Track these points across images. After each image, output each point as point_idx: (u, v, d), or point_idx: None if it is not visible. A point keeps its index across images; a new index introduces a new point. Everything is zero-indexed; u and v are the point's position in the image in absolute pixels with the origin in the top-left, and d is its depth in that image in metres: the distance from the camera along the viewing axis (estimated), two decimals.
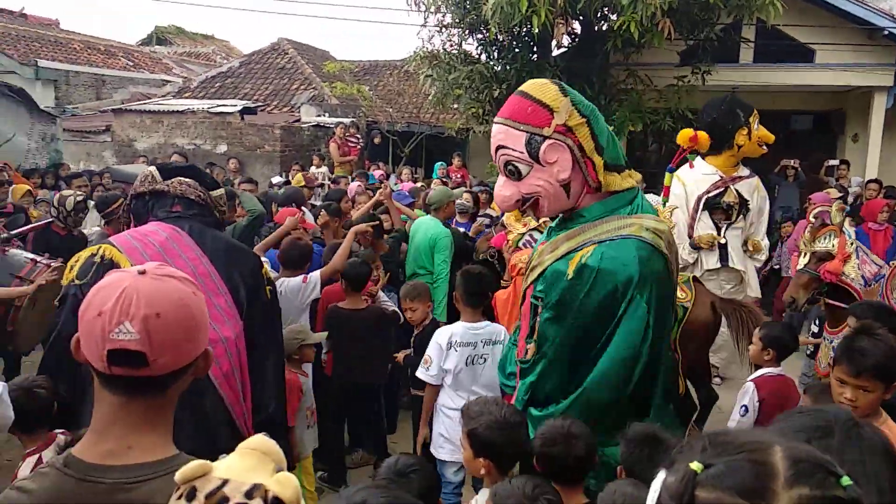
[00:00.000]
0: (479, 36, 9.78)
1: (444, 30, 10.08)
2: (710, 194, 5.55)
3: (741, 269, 5.67)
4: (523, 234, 4.81)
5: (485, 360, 3.47)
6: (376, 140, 13.21)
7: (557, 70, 9.01)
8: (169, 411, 1.29)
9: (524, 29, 8.96)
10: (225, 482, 1.02)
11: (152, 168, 2.82)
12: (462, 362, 3.44)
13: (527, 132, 2.38)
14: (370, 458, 4.43)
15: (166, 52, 24.03)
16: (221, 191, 2.92)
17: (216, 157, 12.35)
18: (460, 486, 3.54)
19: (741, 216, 5.63)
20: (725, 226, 5.62)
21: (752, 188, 5.69)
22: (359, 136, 12.03)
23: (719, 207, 5.54)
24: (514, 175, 2.48)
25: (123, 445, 1.21)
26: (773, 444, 0.84)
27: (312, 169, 10.96)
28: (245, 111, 13.18)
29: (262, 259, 3.09)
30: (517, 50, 9.53)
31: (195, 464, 1.03)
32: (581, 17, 8.92)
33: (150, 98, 15.96)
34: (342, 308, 4.18)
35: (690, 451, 0.88)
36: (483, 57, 10.08)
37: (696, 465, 0.84)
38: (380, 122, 14.32)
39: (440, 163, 11.23)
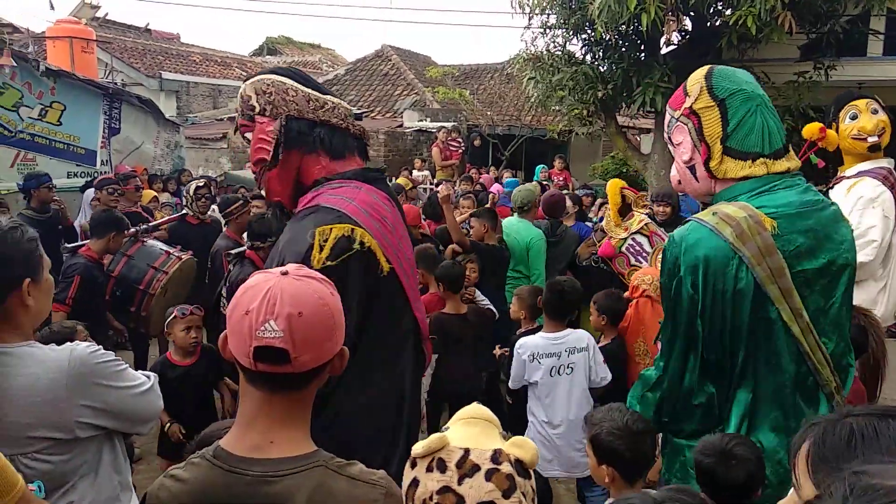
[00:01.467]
0: (584, 36, 9.62)
1: (547, 31, 9.98)
2: None
3: None
4: (625, 238, 4.68)
5: (571, 369, 3.47)
6: (476, 143, 13.27)
7: (667, 69, 8.73)
8: (307, 408, 1.32)
9: (631, 27, 8.74)
10: (467, 451, 1.08)
11: (323, 95, 2.32)
12: (546, 373, 3.45)
13: (669, 115, 2.43)
14: None
15: (276, 62, 25.12)
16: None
17: None
18: None
19: None
20: None
21: (842, 189, 4.69)
22: (461, 140, 12.11)
23: None
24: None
25: (266, 440, 1.26)
26: None
27: (415, 173, 11.14)
28: None
29: None
30: (624, 49, 9.31)
31: (435, 437, 1.09)
32: (692, 13, 8.61)
33: None
34: (446, 314, 4.11)
35: (831, 499, 0.80)
36: (588, 57, 9.92)
37: None
38: (480, 126, 14.37)
39: (541, 166, 11.14)
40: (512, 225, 5.37)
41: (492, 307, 4.39)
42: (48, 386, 1.54)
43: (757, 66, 9.12)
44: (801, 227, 2.16)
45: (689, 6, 7.90)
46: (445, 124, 13.05)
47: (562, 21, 9.49)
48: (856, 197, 4.27)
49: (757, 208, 2.14)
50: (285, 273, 1.26)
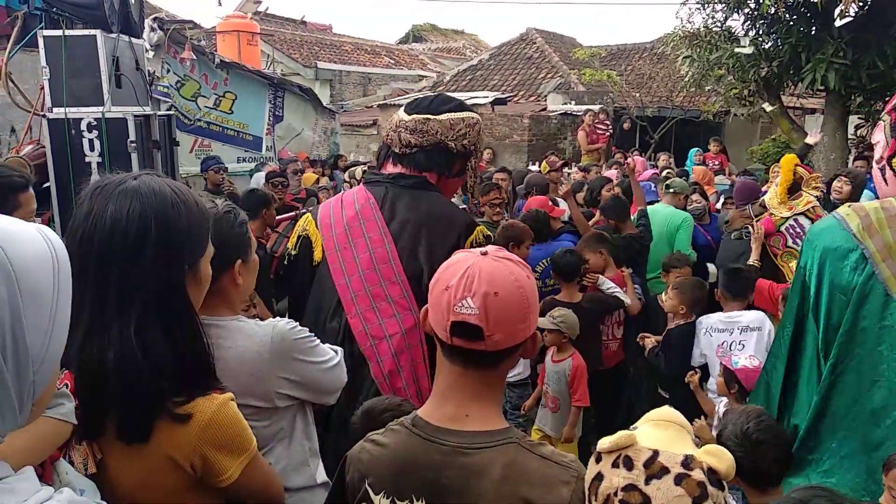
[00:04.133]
0: (747, 10, 9.03)
1: (706, 6, 9.47)
2: None
3: None
4: (787, 218, 4.42)
5: (742, 345, 3.52)
6: (626, 126, 12.85)
7: (842, 43, 8.00)
8: (499, 387, 1.36)
9: None
10: (656, 452, 1.05)
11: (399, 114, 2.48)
12: (714, 348, 3.56)
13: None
14: None
15: (422, 49, 25.68)
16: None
17: None
18: None
19: None
20: None
21: None
22: (608, 122, 11.78)
23: None
24: None
25: (462, 412, 1.29)
26: None
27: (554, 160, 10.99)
28: (496, 102, 13.60)
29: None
30: (792, 23, 8.64)
31: (622, 434, 1.08)
32: None
33: (408, 94, 17.20)
34: (557, 300, 4.03)
35: None
36: (750, 33, 9.30)
37: None
38: (628, 108, 13.92)
39: (696, 149, 10.59)
40: (656, 209, 5.18)
41: (620, 294, 4.21)
42: (254, 358, 1.66)
43: None
44: None
45: None
46: (592, 107, 12.75)
47: None
48: None
49: None
50: (485, 253, 1.29)
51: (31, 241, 0.87)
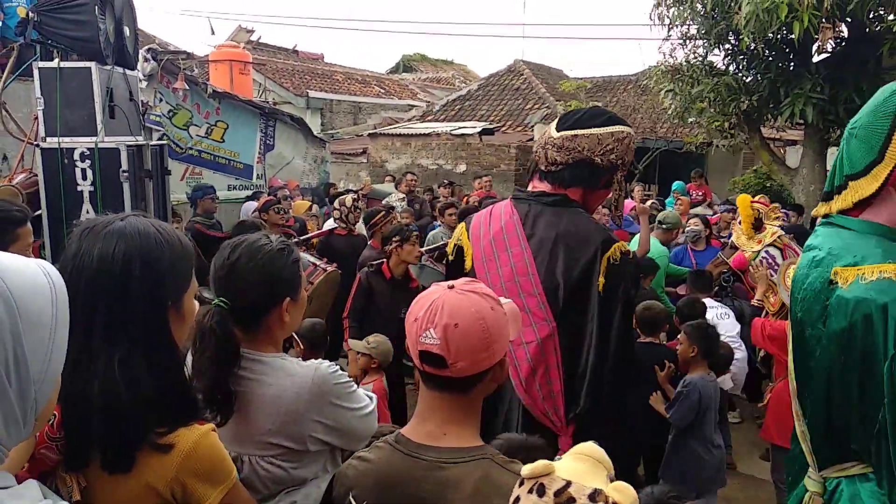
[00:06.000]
0: (728, 46, 9.28)
1: (687, 42, 9.71)
2: None
3: None
4: (758, 251, 4.55)
5: None
6: None
7: (819, 78, 8.24)
8: (474, 409, 1.45)
9: (780, 36, 8.33)
10: (568, 483, 1.12)
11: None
12: None
13: None
14: None
15: (411, 79, 26.00)
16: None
17: (456, 176, 13.11)
18: None
19: None
20: None
21: None
22: None
23: None
24: None
25: (440, 431, 1.41)
26: None
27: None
28: (484, 132, 13.81)
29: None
30: (771, 59, 8.89)
31: (541, 463, 1.15)
32: (849, 20, 8.08)
33: (398, 122, 17.41)
34: None
35: None
36: (730, 68, 9.55)
37: None
38: None
39: (678, 183, 10.78)
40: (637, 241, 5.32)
41: None
42: (293, 398, 1.68)
43: None
44: (797, 275, 2.00)
45: (847, 12, 7.43)
46: None
47: (703, 32, 9.22)
48: None
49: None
50: (451, 287, 1.40)
51: (30, 274, 0.99)
